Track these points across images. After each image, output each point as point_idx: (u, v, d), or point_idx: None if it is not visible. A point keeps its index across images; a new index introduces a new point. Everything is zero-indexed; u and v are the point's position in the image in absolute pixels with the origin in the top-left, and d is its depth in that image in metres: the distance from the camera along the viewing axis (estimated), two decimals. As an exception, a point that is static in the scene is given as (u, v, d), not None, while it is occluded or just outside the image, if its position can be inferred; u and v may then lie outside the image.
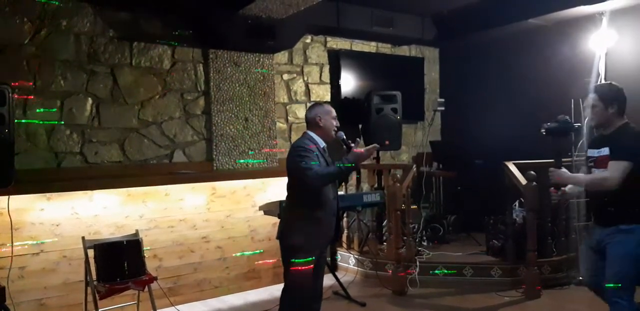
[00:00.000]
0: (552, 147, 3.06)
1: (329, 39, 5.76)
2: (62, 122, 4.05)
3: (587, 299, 4.26)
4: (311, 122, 3.12)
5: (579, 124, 3.06)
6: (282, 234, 3.08)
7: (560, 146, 3.24)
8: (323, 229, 3.04)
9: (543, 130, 2.99)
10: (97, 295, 3.39)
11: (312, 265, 2.99)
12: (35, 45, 3.93)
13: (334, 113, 3.12)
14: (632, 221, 2.71)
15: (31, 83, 3.92)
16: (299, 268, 2.96)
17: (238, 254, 4.68)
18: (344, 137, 3.09)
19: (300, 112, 5.46)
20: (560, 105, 4.93)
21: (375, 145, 3.04)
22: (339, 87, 5.70)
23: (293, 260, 2.98)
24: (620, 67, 4.83)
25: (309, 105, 5.41)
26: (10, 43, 3.81)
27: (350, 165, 2.86)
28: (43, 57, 3.94)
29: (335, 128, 3.11)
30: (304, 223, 2.99)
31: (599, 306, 4.07)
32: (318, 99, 5.61)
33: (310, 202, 3.01)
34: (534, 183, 4.32)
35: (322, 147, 3.07)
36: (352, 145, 2.97)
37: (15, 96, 3.22)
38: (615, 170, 2.67)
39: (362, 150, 2.90)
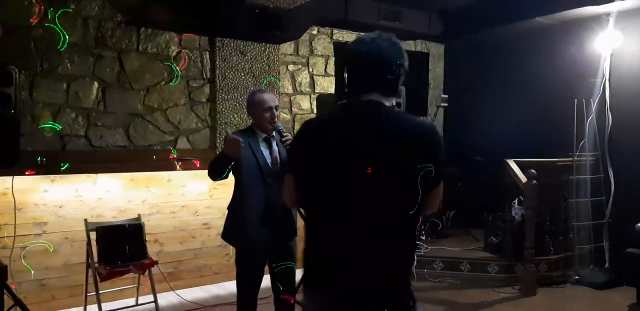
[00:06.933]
0: None
1: (335, 31, 5.76)
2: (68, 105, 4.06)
3: (582, 298, 4.33)
4: None
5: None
6: None
7: None
8: (244, 227, 2.80)
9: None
10: (97, 277, 3.42)
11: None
12: (42, 27, 3.92)
13: (267, 103, 2.79)
14: None
15: (38, 65, 3.92)
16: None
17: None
18: (281, 127, 2.84)
19: (305, 103, 5.46)
20: (563, 105, 4.97)
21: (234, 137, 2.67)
22: (344, 79, 5.68)
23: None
24: (625, 68, 4.84)
25: (313, 96, 5.46)
26: (18, 25, 3.80)
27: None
28: (50, 39, 3.94)
29: (269, 119, 2.81)
30: (230, 218, 2.94)
31: (592, 306, 4.14)
32: (322, 91, 5.61)
33: (234, 195, 2.93)
34: (534, 181, 4.34)
35: (261, 138, 2.87)
36: (286, 135, 2.75)
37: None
38: None
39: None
